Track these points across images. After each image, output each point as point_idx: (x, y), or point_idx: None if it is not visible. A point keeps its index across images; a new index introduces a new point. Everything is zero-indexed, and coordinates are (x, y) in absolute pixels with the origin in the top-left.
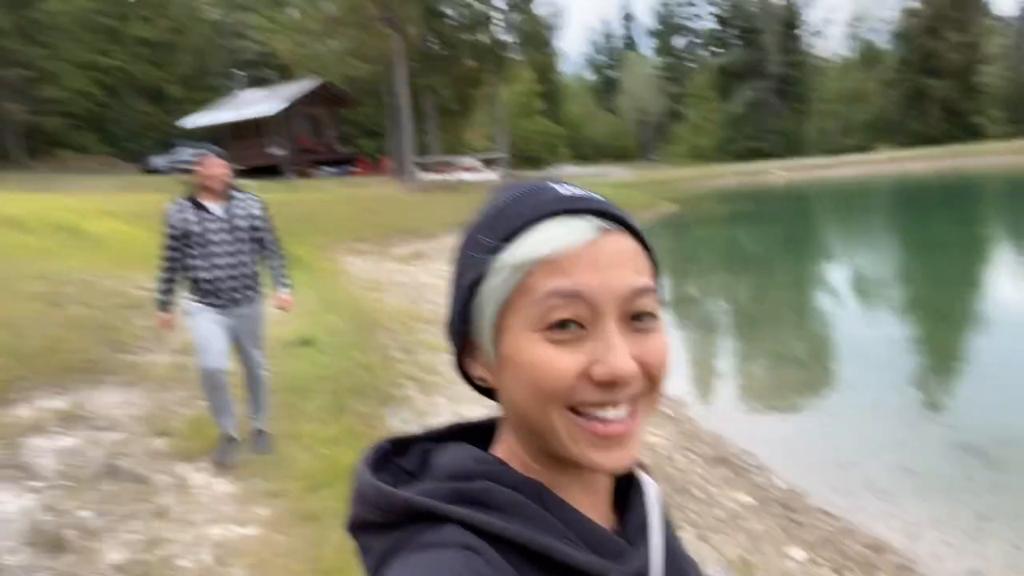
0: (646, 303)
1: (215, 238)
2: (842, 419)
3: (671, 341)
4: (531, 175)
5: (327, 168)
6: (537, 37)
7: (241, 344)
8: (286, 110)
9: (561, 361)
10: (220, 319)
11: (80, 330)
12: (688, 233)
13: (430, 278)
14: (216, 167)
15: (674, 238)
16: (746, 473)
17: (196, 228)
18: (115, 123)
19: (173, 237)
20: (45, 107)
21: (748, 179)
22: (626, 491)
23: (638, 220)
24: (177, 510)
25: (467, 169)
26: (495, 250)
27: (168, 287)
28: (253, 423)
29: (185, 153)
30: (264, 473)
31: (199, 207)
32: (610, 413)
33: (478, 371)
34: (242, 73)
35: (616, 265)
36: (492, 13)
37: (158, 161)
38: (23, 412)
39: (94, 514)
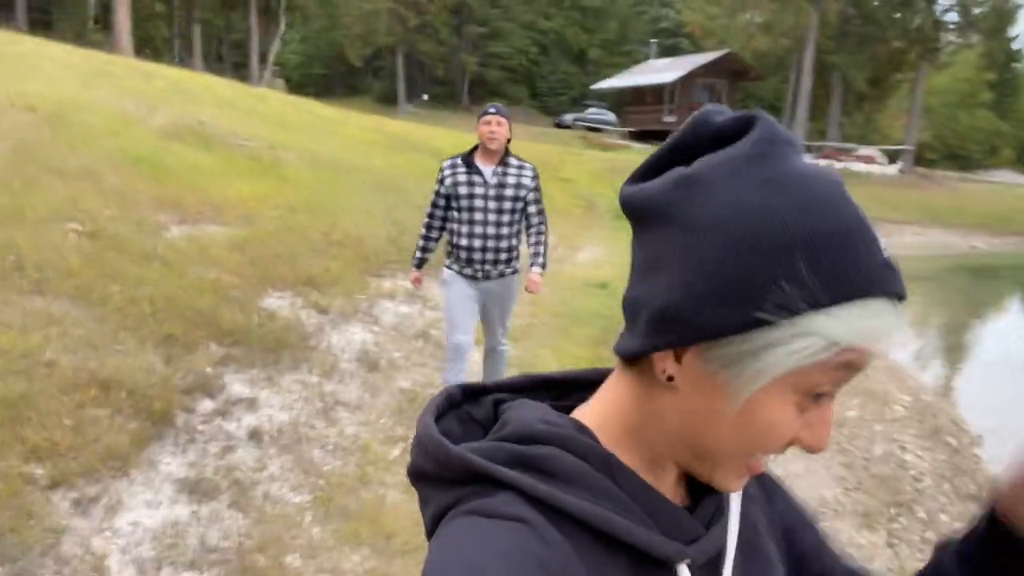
0: None
1: (480, 204)
2: None
3: None
4: (943, 176)
5: None
6: (986, 20)
7: (487, 318)
8: (684, 78)
9: (791, 427)
10: (471, 292)
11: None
12: None
13: None
14: (497, 126)
15: None
16: None
17: (463, 190)
18: (543, 79)
19: (440, 195)
20: (491, 60)
21: None
22: None
23: None
24: None
25: (863, 159)
26: (820, 306)
27: (426, 244)
28: None
29: (590, 112)
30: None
31: (471, 169)
32: (767, 460)
33: (666, 363)
34: (655, 41)
35: None
36: None
37: (567, 117)
38: (386, 284)
39: (402, 356)
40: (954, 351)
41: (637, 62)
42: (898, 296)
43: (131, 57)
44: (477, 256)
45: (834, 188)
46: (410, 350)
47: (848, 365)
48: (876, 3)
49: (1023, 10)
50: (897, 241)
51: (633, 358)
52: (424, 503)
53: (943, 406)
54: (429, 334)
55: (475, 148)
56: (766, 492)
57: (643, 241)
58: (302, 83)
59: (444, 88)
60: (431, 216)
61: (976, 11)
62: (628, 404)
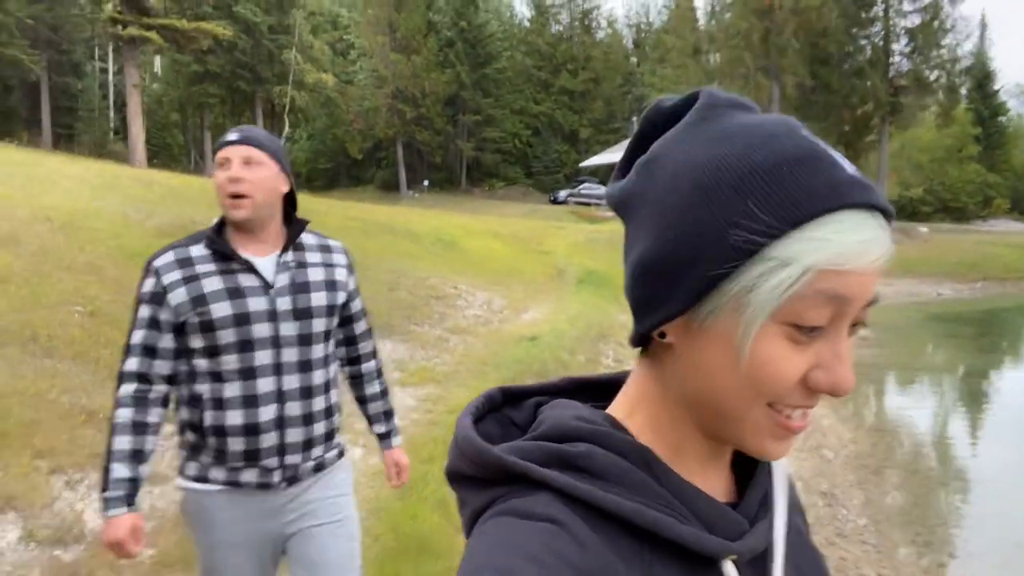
0: (869, 312)
1: (262, 332)
2: None
3: None
4: (914, 229)
5: None
6: (939, 84)
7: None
8: None
9: (792, 363)
10: (255, 530)
11: (394, 306)
12: None
13: None
14: (245, 167)
15: None
16: None
17: (221, 310)
18: (536, 160)
19: (160, 325)
20: (486, 145)
21: None
22: (750, 465)
23: None
24: None
25: None
26: (779, 235)
27: (135, 448)
28: None
29: (583, 187)
30: None
31: (229, 262)
32: (800, 416)
33: (665, 327)
34: (636, 117)
35: (877, 274)
36: (892, 57)
37: (561, 193)
38: None
39: None
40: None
41: (625, 137)
42: (871, 207)
43: (144, 166)
44: (267, 442)
45: (780, 126)
46: None
47: (831, 294)
48: (837, 72)
49: (986, 68)
50: None
51: (641, 345)
52: (462, 504)
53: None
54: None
55: (222, 223)
56: (805, 521)
57: (626, 234)
58: (310, 177)
59: (443, 173)
60: (141, 378)
61: (930, 75)
62: (648, 391)
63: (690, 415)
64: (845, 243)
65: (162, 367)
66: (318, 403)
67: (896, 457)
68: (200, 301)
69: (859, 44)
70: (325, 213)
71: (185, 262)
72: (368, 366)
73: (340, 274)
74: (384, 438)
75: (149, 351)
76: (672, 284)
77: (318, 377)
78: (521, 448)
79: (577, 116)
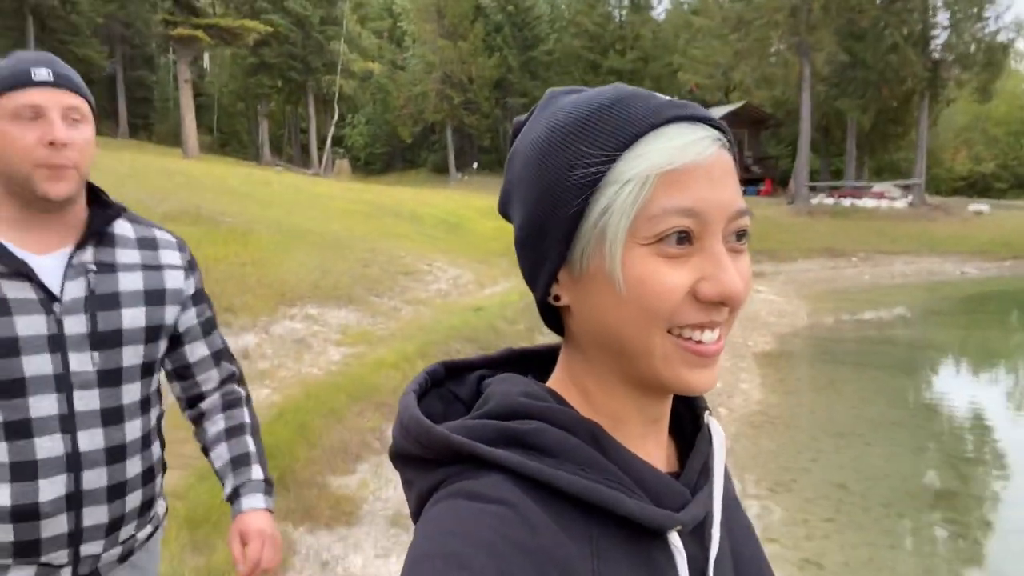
0: (746, 222)
1: (39, 367)
2: None
3: None
4: (957, 204)
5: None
6: (976, 57)
7: None
8: None
9: (671, 277)
10: None
11: (359, 279)
12: None
13: (771, 296)
14: (67, 123)
15: None
16: None
17: None
18: None
19: None
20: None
21: None
22: (691, 435)
23: None
24: None
25: (875, 195)
26: (611, 160)
27: None
28: None
29: None
30: None
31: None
32: (707, 336)
33: (555, 289)
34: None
35: (727, 180)
36: (932, 31)
37: None
38: (295, 311)
39: (274, 354)
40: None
41: None
42: (691, 119)
43: (197, 156)
44: (52, 530)
45: (606, 88)
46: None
47: (678, 203)
48: (873, 47)
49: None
50: (885, 270)
51: (551, 324)
52: (407, 484)
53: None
54: (309, 342)
55: None
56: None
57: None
58: (368, 161)
59: (492, 156)
60: None
61: (968, 49)
62: (573, 364)
63: (612, 372)
64: (668, 148)
65: None
66: (133, 466)
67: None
68: None
69: (893, 18)
70: (330, 197)
71: None
72: (210, 403)
73: (172, 279)
74: (234, 498)
75: None
76: (541, 242)
77: (133, 430)
78: (469, 427)
79: None
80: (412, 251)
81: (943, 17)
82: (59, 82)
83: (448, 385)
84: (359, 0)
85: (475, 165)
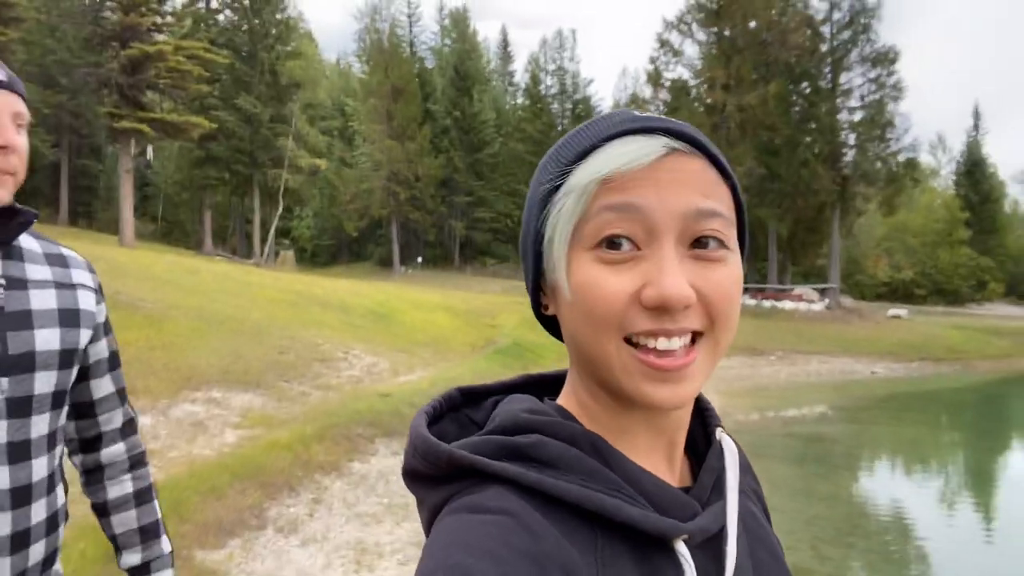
0: (712, 227)
1: None
2: None
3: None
4: (869, 309)
5: None
6: (879, 176)
7: None
8: None
9: (611, 282)
10: None
11: (272, 365)
12: None
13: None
14: (22, 126)
15: None
16: None
17: None
18: None
19: None
20: (478, 224)
21: None
22: (705, 453)
23: None
24: None
25: (794, 298)
26: (564, 174)
27: None
28: None
29: None
30: None
31: None
32: (662, 343)
33: (543, 300)
34: None
35: (680, 184)
36: (842, 150)
37: None
38: (198, 395)
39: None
40: None
41: None
42: (655, 130)
43: (133, 245)
44: None
45: (587, 125)
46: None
47: (618, 204)
48: (786, 164)
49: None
50: (802, 369)
51: (557, 335)
52: (420, 503)
53: None
54: (206, 425)
55: None
56: (768, 517)
57: None
58: (315, 253)
59: (437, 251)
60: None
61: (876, 165)
62: (572, 377)
63: (597, 384)
64: (611, 155)
65: None
66: (38, 512)
67: None
68: None
69: (805, 137)
70: (261, 286)
71: None
72: (113, 452)
73: (85, 300)
74: (143, 572)
75: None
76: (525, 257)
77: (40, 468)
78: (473, 443)
79: None
80: (332, 339)
81: (850, 137)
82: (12, 86)
83: (464, 410)
84: (310, 101)
85: (419, 260)
